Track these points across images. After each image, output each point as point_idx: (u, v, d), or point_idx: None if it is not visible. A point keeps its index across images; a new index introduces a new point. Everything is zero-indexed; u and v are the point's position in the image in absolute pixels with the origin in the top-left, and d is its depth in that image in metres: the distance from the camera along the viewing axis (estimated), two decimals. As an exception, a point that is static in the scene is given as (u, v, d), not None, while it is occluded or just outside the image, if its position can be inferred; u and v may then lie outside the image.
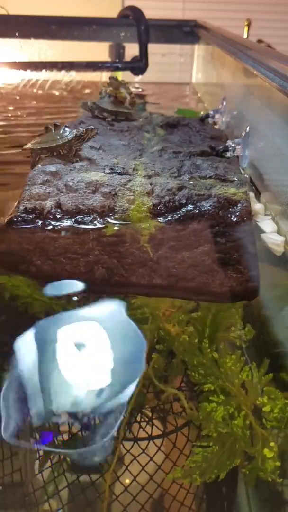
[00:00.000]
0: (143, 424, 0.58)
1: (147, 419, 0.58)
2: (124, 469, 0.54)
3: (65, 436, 0.54)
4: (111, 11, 2.02)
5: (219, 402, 0.54)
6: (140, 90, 1.87)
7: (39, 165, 0.93)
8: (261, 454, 0.50)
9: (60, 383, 0.54)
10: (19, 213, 0.78)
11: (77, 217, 0.79)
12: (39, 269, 0.69)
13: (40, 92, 1.76)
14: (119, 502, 0.51)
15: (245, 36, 1.99)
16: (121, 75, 1.90)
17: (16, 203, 0.82)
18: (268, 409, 0.53)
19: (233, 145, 1.07)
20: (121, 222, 0.79)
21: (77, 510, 0.53)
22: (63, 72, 1.76)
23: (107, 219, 0.80)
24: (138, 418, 0.58)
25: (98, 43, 1.90)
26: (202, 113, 1.47)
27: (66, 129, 0.97)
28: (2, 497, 0.51)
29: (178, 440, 0.57)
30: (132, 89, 1.60)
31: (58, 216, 0.79)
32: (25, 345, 0.57)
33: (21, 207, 0.79)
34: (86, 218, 0.79)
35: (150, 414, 0.59)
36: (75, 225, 0.78)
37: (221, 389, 0.56)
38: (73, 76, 1.81)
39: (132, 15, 1.78)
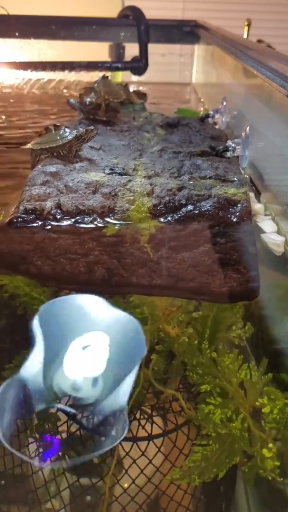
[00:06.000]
0: (144, 424, 0.58)
1: (146, 416, 0.58)
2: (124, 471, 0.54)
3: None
4: (111, 11, 2.02)
5: (217, 404, 0.54)
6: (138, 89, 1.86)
7: (39, 166, 0.93)
8: (260, 453, 0.50)
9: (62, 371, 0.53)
10: (19, 214, 0.78)
11: (77, 217, 0.79)
12: (39, 270, 0.69)
13: (40, 92, 1.76)
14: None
15: (245, 36, 1.99)
16: (121, 75, 1.90)
17: (16, 204, 0.82)
18: (267, 410, 0.53)
19: (233, 145, 1.07)
20: (121, 223, 0.79)
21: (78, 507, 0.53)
22: (63, 72, 1.76)
23: (107, 219, 0.80)
24: (139, 420, 0.58)
25: (98, 43, 1.90)
26: (202, 113, 1.47)
27: (66, 129, 0.97)
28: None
29: (178, 439, 0.57)
30: (132, 89, 1.60)
31: (58, 216, 0.79)
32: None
33: (21, 208, 0.79)
34: (86, 219, 0.79)
35: (149, 413, 0.59)
36: (75, 225, 0.78)
37: (219, 389, 0.56)
38: (73, 76, 1.81)
39: (132, 15, 1.78)
